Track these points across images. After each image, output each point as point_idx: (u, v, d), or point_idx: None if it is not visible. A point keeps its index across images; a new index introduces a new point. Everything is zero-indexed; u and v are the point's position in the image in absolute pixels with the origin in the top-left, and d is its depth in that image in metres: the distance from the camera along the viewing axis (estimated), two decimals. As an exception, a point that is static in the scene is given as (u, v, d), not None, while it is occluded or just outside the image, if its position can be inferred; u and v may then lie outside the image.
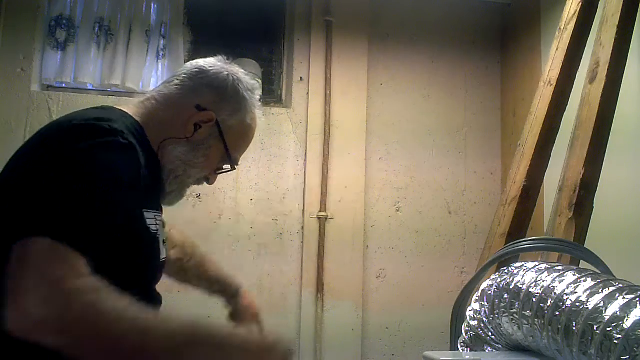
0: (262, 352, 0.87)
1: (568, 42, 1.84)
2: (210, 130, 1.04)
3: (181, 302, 2.65)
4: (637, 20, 1.73)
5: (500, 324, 1.26)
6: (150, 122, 1.02)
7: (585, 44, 1.86)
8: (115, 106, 1.06)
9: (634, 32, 1.72)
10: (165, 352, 0.77)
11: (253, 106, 1.12)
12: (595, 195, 1.64)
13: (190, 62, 1.12)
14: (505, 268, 1.35)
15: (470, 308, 1.42)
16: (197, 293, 2.74)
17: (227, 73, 1.07)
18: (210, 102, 1.04)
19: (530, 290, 1.15)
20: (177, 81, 1.06)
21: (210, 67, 1.07)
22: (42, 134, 0.95)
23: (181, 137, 1.02)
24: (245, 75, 1.11)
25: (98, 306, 0.72)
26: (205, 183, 1.15)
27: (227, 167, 1.15)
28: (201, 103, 1.04)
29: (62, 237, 0.74)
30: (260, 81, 2.77)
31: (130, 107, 1.06)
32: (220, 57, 1.12)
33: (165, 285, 2.55)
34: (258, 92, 1.14)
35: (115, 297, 0.74)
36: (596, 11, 1.86)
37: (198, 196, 2.70)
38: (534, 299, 1.12)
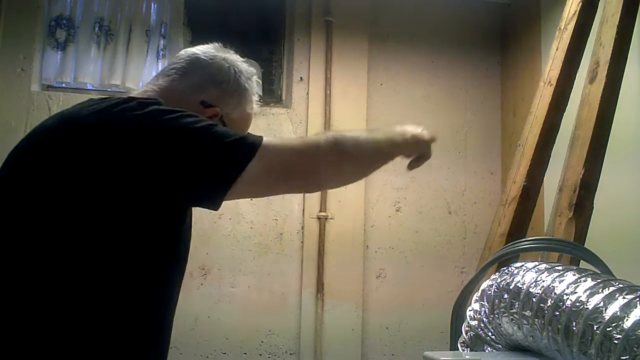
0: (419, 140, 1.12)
1: (568, 42, 1.84)
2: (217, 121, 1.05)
3: (181, 302, 2.65)
4: (637, 20, 1.73)
5: (500, 324, 1.26)
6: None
7: (585, 44, 1.86)
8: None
9: (634, 32, 1.72)
10: (384, 146, 1.04)
11: (253, 94, 1.14)
12: (595, 195, 1.64)
13: (186, 50, 1.12)
14: (505, 268, 1.35)
15: (470, 308, 1.42)
16: (197, 293, 2.74)
17: (228, 66, 1.10)
18: (215, 98, 1.06)
19: (530, 290, 1.15)
20: (176, 74, 1.06)
21: (211, 59, 1.09)
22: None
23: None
24: (243, 63, 1.14)
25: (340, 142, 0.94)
26: None
27: None
28: (206, 99, 1.05)
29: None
30: (260, 81, 2.77)
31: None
32: (216, 45, 1.15)
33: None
34: (255, 77, 1.17)
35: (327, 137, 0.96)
36: (596, 11, 1.86)
37: (198, 196, 2.70)
38: (534, 299, 1.12)
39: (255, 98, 1.16)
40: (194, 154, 0.86)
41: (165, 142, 0.86)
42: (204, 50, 1.11)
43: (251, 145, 0.89)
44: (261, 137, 0.91)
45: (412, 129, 1.12)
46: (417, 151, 1.13)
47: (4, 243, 0.85)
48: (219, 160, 0.87)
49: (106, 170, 0.84)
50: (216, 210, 0.93)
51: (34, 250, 0.83)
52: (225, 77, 1.08)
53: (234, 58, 1.13)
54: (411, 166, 1.13)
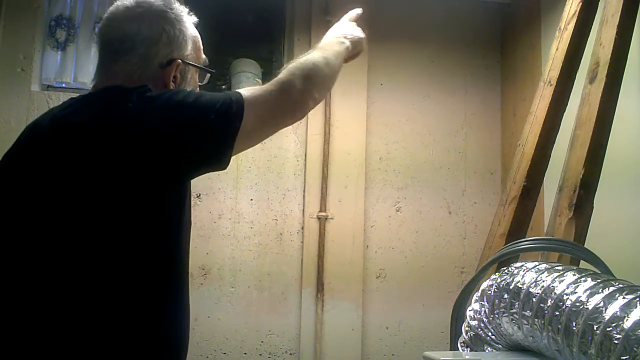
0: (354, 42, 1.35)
1: (568, 42, 1.84)
2: (184, 70, 1.12)
3: (181, 302, 2.65)
4: (637, 20, 1.73)
5: (500, 324, 1.26)
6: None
7: (585, 44, 1.86)
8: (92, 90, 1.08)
9: (634, 32, 1.72)
10: (336, 61, 1.22)
11: (184, 16, 1.19)
12: (595, 195, 1.64)
13: (112, 27, 1.08)
14: (505, 268, 1.35)
15: (470, 308, 1.42)
16: (197, 293, 2.74)
17: (153, 16, 1.08)
18: (171, 52, 1.09)
19: (530, 290, 1.15)
20: (124, 59, 1.05)
21: (139, 26, 1.06)
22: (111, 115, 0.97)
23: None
24: (160, 4, 1.12)
25: (307, 70, 1.09)
26: None
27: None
28: (160, 60, 1.07)
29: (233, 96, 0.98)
30: (260, 81, 2.77)
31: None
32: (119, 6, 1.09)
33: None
34: (180, 7, 1.19)
35: (295, 64, 1.10)
36: (596, 11, 1.86)
37: (198, 196, 2.70)
38: (534, 299, 1.12)
39: (187, 15, 1.21)
40: (197, 122, 0.95)
41: (169, 120, 0.94)
42: (131, 24, 1.05)
43: (238, 103, 0.98)
44: (239, 94, 1.00)
45: (347, 32, 1.36)
46: (357, 51, 1.38)
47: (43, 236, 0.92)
48: (220, 122, 0.96)
49: (114, 167, 0.91)
50: (224, 168, 1.01)
51: (61, 245, 0.91)
52: (159, 30, 1.07)
53: (154, 4, 1.10)
54: (347, 61, 1.35)
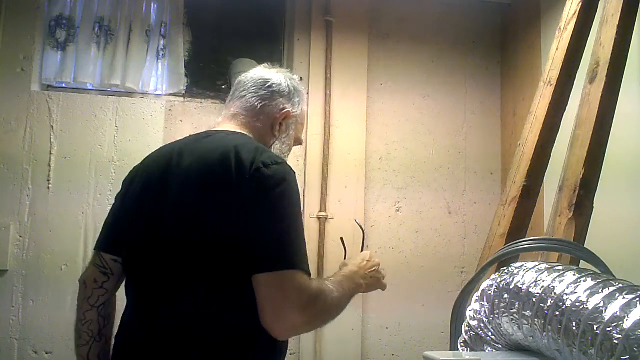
0: (365, 269, 1.42)
1: (568, 42, 1.84)
2: (289, 123, 1.41)
3: (181, 302, 2.65)
4: (637, 20, 1.73)
5: (500, 324, 1.26)
6: (252, 133, 1.35)
7: (585, 44, 1.86)
8: (225, 129, 1.35)
9: (634, 32, 1.72)
10: (346, 301, 1.25)
11: (304, 95, 1.48)
12: (595, 195, 1.64)
13: (249, 75, 1.43)
14: (505, 268, 1.35)
15: (470, 308, 1.42)
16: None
17: (286, 78, 1.42)
18: (285, 104, 1.40)
19: (530, 290, 1.15)
20: (252, 96, 1.38)
21: (272, 77, 1.41)
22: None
23: (275, 137, 1.39)
24: (291, 75, 1.46)
25: (327, 303, 1.16)
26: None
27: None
28: (279, 107, 1.39)
29: (302, 266, 1.11)
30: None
31: (232, 125, 1.36)
32: (266, 65, 1.48)
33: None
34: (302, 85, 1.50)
35: (328, 290, 1.18)
36: (596, 11, 1.86)
37: (198, 196, 2.70)
38: (534, 299, 1.12)
39: (305, 97, 1.48)
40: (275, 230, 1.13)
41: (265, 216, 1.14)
42: (265, 72, 1.43)
43: (303, 262, 1.13)
44: (308, 267, 1.14)
45: (368, 275, 1.43)
46: (369, 291, 1.48)
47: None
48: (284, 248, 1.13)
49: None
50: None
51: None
52: (286, 88, 1.41)
53: (286, 73, 1.46)
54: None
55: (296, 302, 1.08)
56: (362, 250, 1.55)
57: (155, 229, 1.21)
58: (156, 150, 1.37)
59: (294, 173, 1.22)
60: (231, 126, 1.35)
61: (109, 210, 1.39)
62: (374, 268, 1.45)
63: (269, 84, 1.39)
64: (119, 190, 1.36)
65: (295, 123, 1.44)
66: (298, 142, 1.50)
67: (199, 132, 1.37)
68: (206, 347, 1.14)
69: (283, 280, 1.08)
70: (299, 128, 1.47)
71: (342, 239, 1.63)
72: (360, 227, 1.69)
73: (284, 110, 1.39)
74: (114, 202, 1.37)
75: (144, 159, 1.36)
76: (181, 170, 1.22)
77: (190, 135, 1.37)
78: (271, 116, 1.38)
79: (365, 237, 1.70)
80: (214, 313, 1.14)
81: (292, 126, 1.43)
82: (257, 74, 1.42)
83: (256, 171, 1.14)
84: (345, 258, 1.58)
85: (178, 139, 2.80)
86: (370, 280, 1.42)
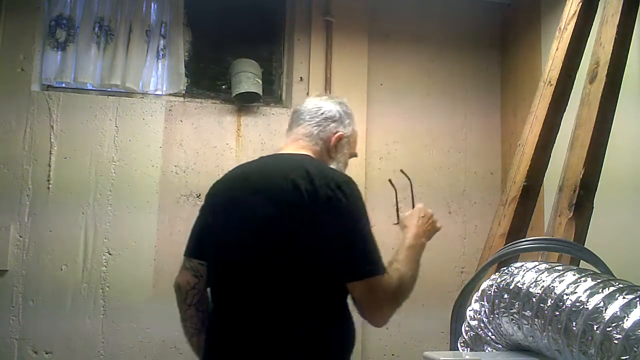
0: (423, 226, 1.63)
1: (568, 42, 1.84)
2: (342, 144, 1.59)
3: (181, 302, 2.65)
4: (637, 20, 1.73)
5: (500, 324, 1.26)
6: (314, 155, 1.52)
7: (585, 44, 1.86)
8: (292, 151, 1.53)
9: (634, 32, 1.72)
10: (417, 270, 1.44)
11: (354, 116, 1.67)
12: (595, 195, 1.64)
13: (305, 105, 1.60)
14: (505, 268, 1.35)
15: (470, 308, 1.42)
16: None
17: (335, 105, 1.62)
18: (337, 128, 1.59)
19: (530, 290, 1.15)
20: (308, 124, 1.56)
21: (323, 105, 1.60)
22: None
23: (332, 157, 1.57)
24: (340, 100, 1.66)
25: (406, 286, 1.37)
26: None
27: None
28: (334, 131, 1.57)
29: (383, 270, 1.31)
30: (260, 81, 2.77)
31: (295, 147, 1.53)
32: (319, 93, 1.81)
33: (165, 285, 2.55)
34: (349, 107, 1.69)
35: (403, 275, 1.36)
36: (596, 11, 1.86)
37: (198, 196, 2.69)
38: (534, 299, 1.12)
39: (354, 118, 1.68)
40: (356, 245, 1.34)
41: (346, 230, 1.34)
42: (319, 102, 1.62)
43: (382, 265, 1.33)
44: (384, 266, 1.33)
45: (428, 233, 1.64)
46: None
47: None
48: (364, 260, 1.32)
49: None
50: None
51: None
52: (337, 113, 1.61)
53: (336, 98, 1.66)
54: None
55: (385, 300, 1.31)
56: (412, 200, 1.78)
57: (245, 241, 1.39)
58: (233, 170, 1.57)
59: None
60: (295, 148, 1.54)
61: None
62: (430, 221, 1.65)
63: (321, 111, 1.58)
64: (202, 202, 1.60)
65: (348, 142, 1.62)
66: (353, 156, 1.69)
67: (268, 154, 1.60)
68: (291, 345, 1.32)
69: (372, 286, 1.28)
70: (352, 145, 1.66)
71: (390, 180, 1.84)
72: (407, 177, 1.84)
73: (337, 134, 1.58)
74: (199, 213, 1.58)
75: (224, 177, 1.56)
76: (263, 189, 1.41)
77: (261, 158, 1.56)
78: (326, 140, 1.57)
79: (413, 187, 1.85)
80: (300, 314, 1.33)
81: (346, 145, 1.61)
82: (310, 104, 1.60)
83: (335, 188, 1.34)
84: (396, 197, 1.84)
85: (178, 139, 2.81)
86: (430, 233, 1.64)
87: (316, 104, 1.61)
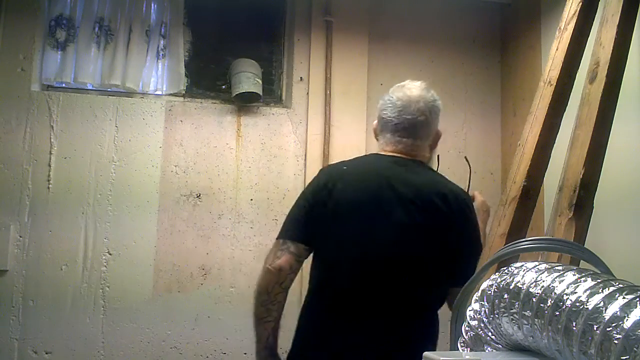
0: (482, 217, 1.70)
1: (568, 42, 1.84)
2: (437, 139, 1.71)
3: (181, 302, 2.65)
4: (637, 20, 1.73)
5: (500, 324, 1.26)
6: (423, 157, 1.67)
7: (585, 44, 1.85)
8: (404, 156, 1.64)
9: (634, 32, 1.72)
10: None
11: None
12: (595, 195, 1.64)
13: (411, 95, 1.66)
14: (505, 268, 1.35)
15: (470, 308, 1.42)
16: (197, 293, 2.75)
17: (436, 99, 1.70)
18: (437, 124, 1.71)
19: (530, 290, 1.15)
20: (420, 120, 1.65)
21: (428, 96, 1.69)
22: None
23: (431, 155, 1.70)
24: (430, 89, 1.72)
25: None
26: None
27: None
28: (436, 128, 1.72)
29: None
30: (260, 81, 2.77)
31: (403, 148, 1.64)
32: (416, 85, 1.74)
33: (165, 285, 2.56)
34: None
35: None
36: (596, 11, 1.85)
37: (198, 196, 2.69)
38: (533, 299, 1.12)
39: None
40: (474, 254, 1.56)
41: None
42: (428, 95, 1.69)
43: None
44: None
45: (483, 219, 1.72)
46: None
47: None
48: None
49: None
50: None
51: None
52: (438, 111, 1.70)
53: (431, 90, 1.73)
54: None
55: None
56: (468, 187, 1.84)
57: (373, 238, 1.52)
58: (353, 166, 1.66)
59: None
60: (403, 149, 1.63)
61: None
62: (485, 209, 1.75)
63: (429, 106, 1.65)
64: (308, 187, 1.68)
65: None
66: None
67: (386, 155, 1.66)
68: (412, 337, 1.51)
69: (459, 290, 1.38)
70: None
71: (466, 157, 2.00)
72: (469, 164, 1.97)
73: (439, 132, 1.68)
74: (303, 199, 1.64)
75: (342, 170, 1.65)
76: (399, 196, 1.53)
77: (381, 161, 1.64)
78: (430, 137, 1.66)
79: (472, 175, 1.98)
80: (422, 310, 1.52)
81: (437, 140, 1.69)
82: (415, 92, 1.64)
83: (462, 203, 1.50)
84: (470, 175, 1.97)
85: (178, 139, 2.80)
86: (487, 219, 1.74)
87: (422, 95, 1.65)
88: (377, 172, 1.60)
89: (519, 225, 1.78)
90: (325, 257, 1.60)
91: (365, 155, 1.81)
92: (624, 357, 0.85)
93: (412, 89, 1.66)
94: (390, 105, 1.67)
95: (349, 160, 1.73)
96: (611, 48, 1.66)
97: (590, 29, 1.85)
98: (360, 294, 1.54)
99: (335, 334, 1.54)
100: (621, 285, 0.99)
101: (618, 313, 0.90)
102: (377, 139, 1.75)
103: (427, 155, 1.68)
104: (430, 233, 1.49)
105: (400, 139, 1.64)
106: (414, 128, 1.63)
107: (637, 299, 0.91)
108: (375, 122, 1.77)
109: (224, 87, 2.86)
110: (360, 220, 1.55)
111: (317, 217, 1.58)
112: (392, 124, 1.65)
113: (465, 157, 2.05)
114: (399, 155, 1.63)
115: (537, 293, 1.10)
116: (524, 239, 1.56)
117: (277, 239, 1.65)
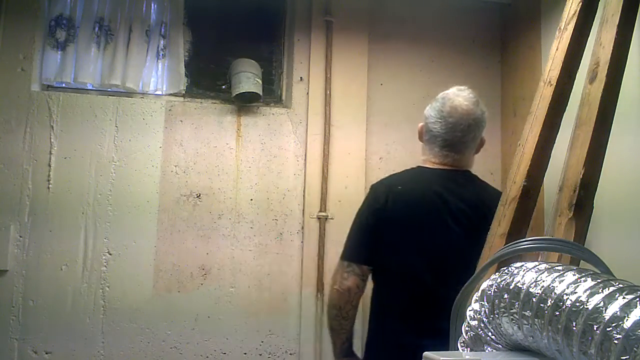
0: None
1: (568, 42, 1.84)
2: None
3: (181, 302, 2.65)
4: (637, 20, 1.73)
5: (500, 324, 1.26)
6: (470, 166, 1.84)
7: (585, 44, 1.85)
8: (458, 167, 1.81)
9: (634, 32, 1.72)
10: None
11: None
12: (595, 195, 1.64)
13: (464, 117, 1.74)
14: (505, 268, 1.34)
15: (470, 308, 1.41)
16: (197, 293, 2.74)
17: (484, 112, 1.79)
18: (482, 132, 1.82)
19: (530, 290, 1.15)
20: (467, 135, 1.76)
21: (479, 110, 1.77)
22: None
23: (472, 163, 1.82)
24: (479, 102, 1.81)
25: None
26: None
27: None
28: (481, 136, 1.84)
29: None
30: (260, 81, 2.77)
31: (456, 160, 1.79)
32: (461, 91, 1.83)
33: (165, 285, 2.56)
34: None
35: None
36: (596, 11, 1.85)
37: (198, 196, 2.69)
38: (533, 299, 1.12)
39: None
40: None
41: None
42: (474, 108, 1.76)
43: None
44: None
45: None
46: None
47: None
48: None
49: None
50: None
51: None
52: (485, 124, 1.78)
53: (477, 99, 1.80)
54: None
55: None
56: None
57: (435, 249, 1.66)
58: (405, 183, 1.79)
59: None
60: (451, 162, 1.74)
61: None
62: None
63: (480, 119, 1.74)
64: (365, 206, 1.83)
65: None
66: None
67: (434, 168, 1.80)
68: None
69: None
70: None
71: None
72: None
73: (483, 138, 1.78)
74: (364, 220, 1.81)
75: (396, 188, 1.79)
76: (451, 208, 1.69)
77: (431, 175, 1.77)
78: (476, 145, 1.78)
79: None
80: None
81: None
82: (469, 112, 1.72)
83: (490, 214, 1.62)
84: None
85: (178, 139, 2.79)
86: None
87: (472, 111, 1.73)
88: (430, 187, 1.74)
89: (519, 225, 1.78)
90: (393, 270, 1.75)
91: (413, 168, 1.91)
92: (624, 357, 0.84)
93: (463, 104, 1.73)
94: (440, 120, 1.76)
95: (398, 174, 1.89)
96: (611, 48, 1.66)
97: (590, 29, 1.85)
98: (429, 300, 1.68)
99: (408, 336, 1.69)
100: (621, 285, 0.99)
101: (618, 313, 0.90)
102: (422, 142, 1.90)
103: (471, 162, 1.82)
104: (480, 239, 1.61)
105: (448, 153, 1.76)
106: (463, 145, 1.74)
107: (637, 299, 0.91)
108: (422, 125, 1.90)
109: (224, 87, 2.86)
110: (420, 234, 1.71)
111: (379, 237, 1.75)
112: (442, 139, 1.77)
113: None
114: (447, 167, 1.77)
115: (537, 293, 1.10)
116: (524, 239, 1.56)
117: (341, 259, 1.82)
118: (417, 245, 1.72)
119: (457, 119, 1.74)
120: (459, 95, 1.79)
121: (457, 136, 1.74)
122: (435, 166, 1.81)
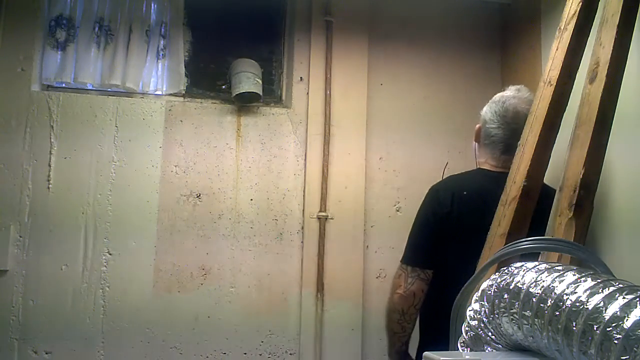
0: None
1: (568, 42, 1.84)
2: None
3: (181, 302, 2.65)
4: (637, 20, 1.73)
5: (500, 324, 1.26)
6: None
7: (585, 44, 1.85)
8: (500, 170, 1.90)
9: (634, 32, 1.72)
10: None
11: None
12: (595, 195, 1.64)
13: (515, 113, 1.85)
14: (505, 268, 1.35)
15: (470, 308, 1.42)
16: (197, 293, 2.75)
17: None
18: None
19: (530, 290, 1.15)
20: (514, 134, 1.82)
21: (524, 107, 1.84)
22: None
23: None
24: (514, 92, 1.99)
25: None
26: None
27: None
28: None
29: None
30: (260, 81, 2.77)
31: (500, 163, 1.93)
32: (512, 91, 1.96)
33: (165, 285, 2.56)
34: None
35: None
36: (596, 11, 1.85)
37: (198, 196, 2.69)
38: (533, 299, 1.11)
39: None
40: None
41: None
42: (517, 108, 1.85)
43: None
44: None
45: None
46: None
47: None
48: None
49: None
50: None
51: None
52: None
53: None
54: None
55: None
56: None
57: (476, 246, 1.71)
58: (465, 186, 1.84)
59: None
60: (507, 164, 1.77)
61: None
62: None
63: (519, 116, 1.80)
64: (430, 211, 1.87)
65: None
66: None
67: (492, 170, 1.90)
68: None
69: None
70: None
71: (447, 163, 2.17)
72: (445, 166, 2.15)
73: None
74: (425, 223, 1.92)
75: (456, 191, 1.86)
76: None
77: (490, 179, 1.84)
78: None
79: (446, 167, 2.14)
80: None
81: None
82: (511, 104, 1.79)
83: None
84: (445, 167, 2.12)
85: (178, 139, 2.79)
86: None
87: (517, 108, 1.81)
88: (495, 192, 1.77)
89: (519, 225, 1.78)
90: (456, 275, 1.74)
91: (471, 171, 1.99)
92: (624, 357, 0.84)
93: (525, 108, 1.78)
94: (503, 126, 1.84)
95: (460, 177, 1.96)
96: (611, 48, 1.66)
97: (590, 29, 1.85)
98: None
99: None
100: (621, 285, 0.98)
101: (618, 313, 0.90)
102: (477, 143, 2.01)
103: None
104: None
105: (508, 157, 1.80)
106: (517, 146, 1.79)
107: (637, 299, 0.91)
108: (479, 127, 1.99)
109: (224, 87, 2.86)
110: (482, 238, 1.73)
111: (444, 243, 1.80)
112: (504, 145, 1.84)
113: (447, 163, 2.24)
114: (506, 171, 1.80)
115: (537, 293, 1.10)
116: (524, 239, 1.56)
117: (404, 263, 1.87)
118: (478, 250, 1.74)
119: (519, 125, 1.79)
120: (519, 98, 1.84)
121: (518, 141, 1.78)
122: (496, 169, 1.88)
